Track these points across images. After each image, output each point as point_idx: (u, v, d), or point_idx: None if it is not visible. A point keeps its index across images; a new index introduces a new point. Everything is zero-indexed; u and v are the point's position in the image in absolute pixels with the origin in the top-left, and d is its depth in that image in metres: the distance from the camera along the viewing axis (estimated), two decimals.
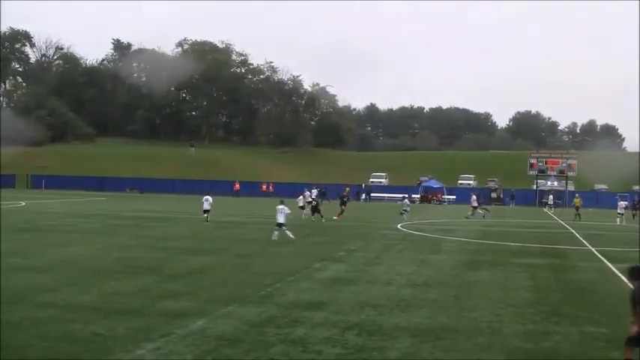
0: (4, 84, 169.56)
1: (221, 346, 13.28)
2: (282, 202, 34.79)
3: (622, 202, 58.25)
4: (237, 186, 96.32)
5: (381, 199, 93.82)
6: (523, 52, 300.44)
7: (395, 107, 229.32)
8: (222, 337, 13.86)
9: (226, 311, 16.30)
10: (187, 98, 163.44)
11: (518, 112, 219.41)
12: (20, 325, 14.58)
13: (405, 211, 52.72)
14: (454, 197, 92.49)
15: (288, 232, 34.03)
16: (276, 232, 34.11)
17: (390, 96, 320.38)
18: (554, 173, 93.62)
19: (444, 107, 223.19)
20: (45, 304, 16.81)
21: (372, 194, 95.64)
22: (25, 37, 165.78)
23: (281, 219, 34.37)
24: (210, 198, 46.19)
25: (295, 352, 13.05)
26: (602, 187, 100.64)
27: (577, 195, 68.66)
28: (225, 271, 23.16)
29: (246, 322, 15.17)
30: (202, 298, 17.96)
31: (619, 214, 54.07)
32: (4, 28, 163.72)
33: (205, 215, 45.09)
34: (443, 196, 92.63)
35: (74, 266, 23.52)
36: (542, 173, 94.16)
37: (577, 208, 59.33)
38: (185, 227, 41.51)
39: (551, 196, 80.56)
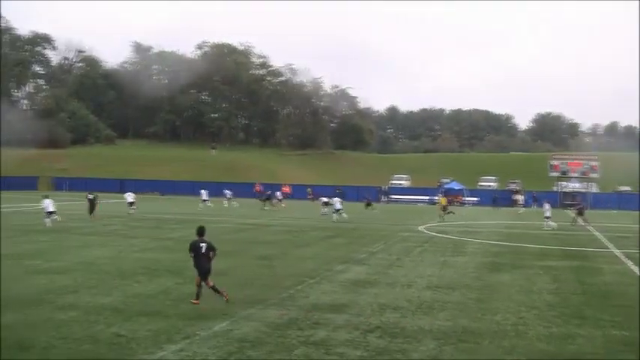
0: (26, 87, 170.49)
1: (243, 348, 13.29)
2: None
3: None
4: (258, 187, 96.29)
5: (402, 200, 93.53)
6: (545, 53, 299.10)
7: (415, 109, 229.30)
8: (245, 339, 13.86)
9: (248, 313, 16.31)
10: (207, 100, 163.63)
11: (539, 114, 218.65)
12: (43, 327, 14.66)
13: (337, 210, 52.61)
14: (475, 199, 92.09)
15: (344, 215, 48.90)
16: (335, 215, 49.38)
17: (410, 98, 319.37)
18: (576, 175, 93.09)
19: (465, 109, 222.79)
20: (67, 305, 16.88)
21: (393, 196, 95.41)
22: (45, 40, 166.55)
23: (338, 205, 50.32)
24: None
25: (317, 354, 13.03)
26: (626, 188, 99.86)
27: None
28: (247, 273, 23.16)
29: (268, 324, 15.17)
30: (224, 300, 17.94)
31: None
32: (26, 32, 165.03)
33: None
34: (464, 198, 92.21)
35: (95, 268, 23.61)
36: (564, 175, 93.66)
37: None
38: (207, 229, 41.47)
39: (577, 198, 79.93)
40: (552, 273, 24.47)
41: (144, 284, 20.11)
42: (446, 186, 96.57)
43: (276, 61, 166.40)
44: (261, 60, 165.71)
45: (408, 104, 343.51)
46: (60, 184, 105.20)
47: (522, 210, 73.61)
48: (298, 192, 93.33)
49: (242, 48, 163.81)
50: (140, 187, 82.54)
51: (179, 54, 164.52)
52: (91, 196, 48.70)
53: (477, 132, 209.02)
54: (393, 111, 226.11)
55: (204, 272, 17.68)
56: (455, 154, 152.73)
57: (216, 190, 78.51)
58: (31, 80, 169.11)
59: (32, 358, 12.50)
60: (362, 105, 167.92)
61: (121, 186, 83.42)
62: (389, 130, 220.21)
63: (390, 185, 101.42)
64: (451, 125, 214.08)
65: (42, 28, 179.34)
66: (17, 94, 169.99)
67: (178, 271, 22.92)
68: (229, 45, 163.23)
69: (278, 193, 72.91)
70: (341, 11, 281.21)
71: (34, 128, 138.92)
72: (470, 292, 20.13)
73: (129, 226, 41.95)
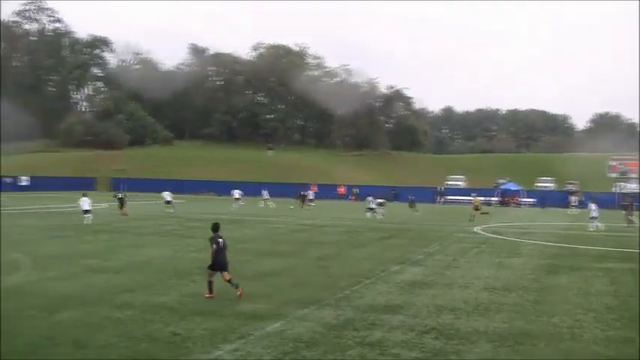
0: (85, 89, 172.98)
1: (298, 348, 13.30)
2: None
3: None
4: (315, 188, 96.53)
5: (458, 201, 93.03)
6: (603, 52, 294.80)
7: (471, 109, 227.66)
8: (299, 340, 13.88)
9: (303, 313, 16.33)
10: (263, 101, 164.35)
11: (597, 114, 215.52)
12: (100, 326, 14.83)
13: (371, 209, 53.37)
14: (532, 200, 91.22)
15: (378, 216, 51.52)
16: (369, 214, 52.87)
17: (466, 98, 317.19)
18: (635, 175, 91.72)
19: (522, 109, 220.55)
20: (124, 304, 17.07)
21: (448, 197, 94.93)
22: (104, 43, 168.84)
23: (372, 205, 53.85)
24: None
25: (372, 354, 13.01)
26: None
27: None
28: (302, 273, 23.23)
29: (323, 325, 15.18)
30: (279, 300, 18.03)
31: None
32: (85, 35, 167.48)
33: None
34: (521, 199, 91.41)
35: (152, 267, 23.88)
36: (623, 176, 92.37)
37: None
38: (261, 230, 41.74)
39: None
40: (611, 275, 24.12)
41: (200, 284, 20.23)
42: (502, 187, 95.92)
43: (332, 62, 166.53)
44: (316, 61, 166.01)
45: (464, 104, 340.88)
46: (117, 185, 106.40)
47: (574, 211, 72.58)
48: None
49: (297, 49, 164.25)
50: (196, 187, 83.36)
51: (235, 55, 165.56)
52: (120, 195, 52.47)
53: (533, 132, 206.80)
54: (448, 111, 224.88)
55: (222, 266, 18.64)
56: (511, 154, 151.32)
57: (271, 190, 78.66)
58: (90, 82, 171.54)
59: (90, 356, 12.67)
60: (417, 105, 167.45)
61: (177, 187, 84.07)
62: (444, 131, 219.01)
63: (445, 186, 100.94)
64: (507, 125, 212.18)
65: (100, 31, 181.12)
66: (76, 96, 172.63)
67: (233, 272, 22.98)
68: (285, 46, 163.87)
69: (310, 193, 72.57)
70: (397, 13, 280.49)
71: (93, 130, 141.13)
72: (526, 294, 19.95)
73: (185, 227, 42.33)
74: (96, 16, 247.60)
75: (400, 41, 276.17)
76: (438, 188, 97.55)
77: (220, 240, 18.97)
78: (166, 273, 22.48)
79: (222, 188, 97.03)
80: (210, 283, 18.52)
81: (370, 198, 54.52)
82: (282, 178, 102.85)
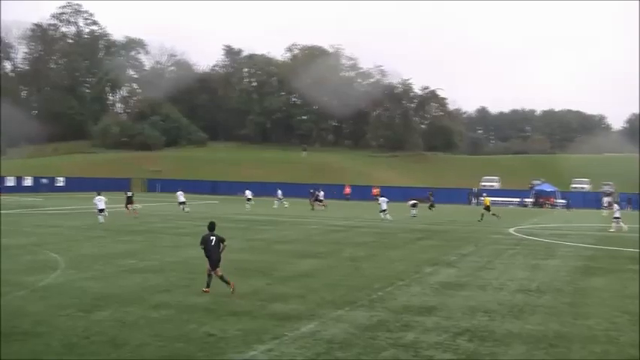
0: (121, 91, 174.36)
1: (332, 349, 13.34)
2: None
3: None
4: (348, 189, 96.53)
5: (492, 203, 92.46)
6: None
7: (506, 110, 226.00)
8: (333, 341, 13.92)
9: (337, 314, 16.37)
10: (298, 103, 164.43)
11: (634, 114, 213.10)
12: (136, 325, 14.98)
13: (384, 210, 52.66)
14: (567, 201, 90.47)
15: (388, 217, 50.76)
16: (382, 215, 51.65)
17: (501, 98, 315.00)
18: None
19: (557, 109, 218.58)
20: (160, 304, 17.22)
21: (483, 198, 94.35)
22: (139, 44, 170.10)
23: (384, 206, 52.16)
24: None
25: (406, 356, 13.04)
26: None
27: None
28: (336, 274, 23.26)
29: (356, 326, 15.21)
30: (313, 301, 18.09)
31: None
32: (120, 37, 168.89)
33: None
34: (556, 200, 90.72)
35: (187, 268, 24.04)
36: None
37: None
38: (295, 230, 41.81)
39: None
40: None
41: (235, 285, 20.36)
42: (537, 188, 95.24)
43: (366, 63, 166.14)
44: (351, 62, 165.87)
45: (499, 105, 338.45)
46: (153, 186, 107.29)
47: (605, 212, 71.97)
48: (388, 194, 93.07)
49: (332, 50, 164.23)
50: (231, 188, 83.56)
51: (269, 57, 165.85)
52: (129, 194, 54.35)
53: (568, 133, 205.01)
54: (482, 112, 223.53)
55: (214, 262, 19.55)
56: (546, 155, 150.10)
57: (305, 191, 78.63)
58: (126, 84, 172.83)
59: (125, 355, 12.79)
60: (451, 106, 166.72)
61: (212, 188, 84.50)
62: (479, 132, 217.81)
63: (480, 187, 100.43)
64: (542, 126, 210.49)
65: (136, 34, 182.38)
66: (112, 98, 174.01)
67: (268, 272, 23.16)
68: (319, 47, 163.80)
69: (322, 194, 72.32)
70: (431, 12, 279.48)
71: (129, 131, 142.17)
72: (561, 296, 19.84)
73: (220, 227, 42.34)
74: (131, 19, 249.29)
75: (435, 41, 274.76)
76: (473, 189, 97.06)
77: (212, 238, 20.13)
78: (201, 273, 22.49)
79: (257, 189, 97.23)
80: (208, 280, 19.52)
81: (383, 199, 54.22)
82: (316, 179, 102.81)
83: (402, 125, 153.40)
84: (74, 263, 24.28)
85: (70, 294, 18.50)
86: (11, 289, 18.92)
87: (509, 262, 27.95)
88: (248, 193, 69.43)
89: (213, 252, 19.76)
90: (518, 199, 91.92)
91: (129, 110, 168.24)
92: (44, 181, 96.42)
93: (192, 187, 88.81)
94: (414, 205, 56.75)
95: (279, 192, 73.76)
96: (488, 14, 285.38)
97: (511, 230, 45.01)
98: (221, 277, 19.29)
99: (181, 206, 57.93)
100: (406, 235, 39.68)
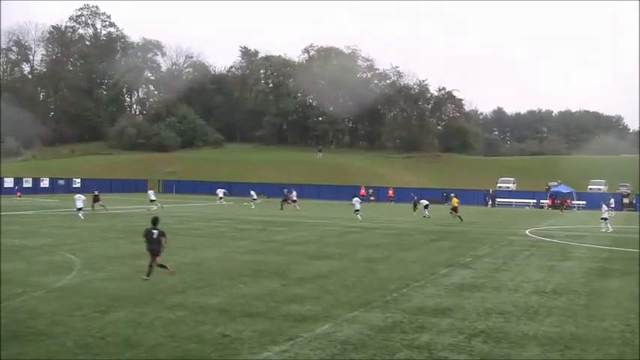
0: (137, 92, 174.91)
1: (346, 350, 13.36)
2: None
3: None
4: (363, 191, 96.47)
5: (508, 204, 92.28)
6: None
7: (522, 111, 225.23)
8: (348, 342, 13.94)
9: (352, 316, 16.38)
10: (314, 104, 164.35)
11: None
12: (151, 326, 15.04)
13: (357, 210, 52.86)
14: (584, 203, 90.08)
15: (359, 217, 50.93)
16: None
17: (517, 99, 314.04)
18: None
19: (573, 110, 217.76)
20: (175, 305, 17.28)
21: (498, 199, 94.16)
22: (156, 46, 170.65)
23: (357, 206, 52.62)
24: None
25: (420, 357, 13.04)
26: None
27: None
28: (350, 275, 23.26)
29: (371, 327, 15.22)
30: (328, 302, 18.11)
31: None
32: (138, 39, 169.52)
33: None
34: (572, 202, 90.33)
35: (202, 269, 24.10)
36: None
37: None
38: (310, 232, 41.82)
39: None
40: None
41: (249, 285, 20.41)
42: (553, 189, 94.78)
43: (382, 64, 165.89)
44: (367, 63, 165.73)
45: (515, 106, 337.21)
46: (169, 187, 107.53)
47: (613, 213, 71.84)
48: (403, 195, 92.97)
49: (348, 51, 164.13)
50: (247, 189, 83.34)
51: (285, 58, 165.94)
52: (96, 192, 56.76)
53: (585, 134, 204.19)
54: (499, 113, 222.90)
55: (155, 253, 21.54)
56: (562, 156, 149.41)
57: (321, 193, 78.65)
58: (142, 86, 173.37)
59: (140, 356, 12.84)
60: (467, 107, 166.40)
61: (227, 189, 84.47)
62: (495, 133, 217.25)
63: (496, 188, 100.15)
64: (559, 127, 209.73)
65: (152, 35, 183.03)
66: (129, 99, 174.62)
67: (283, 273, 23.19)
68: (336, 48, 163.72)
69: (294, 194, 72.70)
70: (445, 12, 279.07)
71: (145, 132, 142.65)
72: (577, 298, 19.79)
73: (236, 229, 42.61)
74: (148, 20, 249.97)
75: (451, 42, 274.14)
76: (489, 191, 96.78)
77: (154, 232, 21.91)
78: (217, 274, 22.66)
79: (273, 191, 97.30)
80: (149, 268, 21.36)
81: (356, 199, 54.40)
82: (332, 181, 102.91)
83: (417, 126, 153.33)
84: (90, 264, 24.41)
85: (86, 294, 18.60)
86: (27, 290, 19.05)
87: (524, 263, 27.89)
88: (220, 192, 73.57)
89: (154, 244, 21.72)
90: (534, 201, 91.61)
91: (145, 112, 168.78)
92: (61, 182, 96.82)
93: (208, 188, 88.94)
94: (426, 207, 56.76)
95: (253, 192, 74.80)
96: (504, 14, 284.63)
97: (527, 232, 44.90)
98: (160, 265, 21.53)
99: (152, 204, 60.85)
100: (421, 237, 39.66)
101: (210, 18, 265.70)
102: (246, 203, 70.57)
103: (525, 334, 15.02)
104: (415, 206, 63.57)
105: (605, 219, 47.08)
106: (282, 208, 65.89)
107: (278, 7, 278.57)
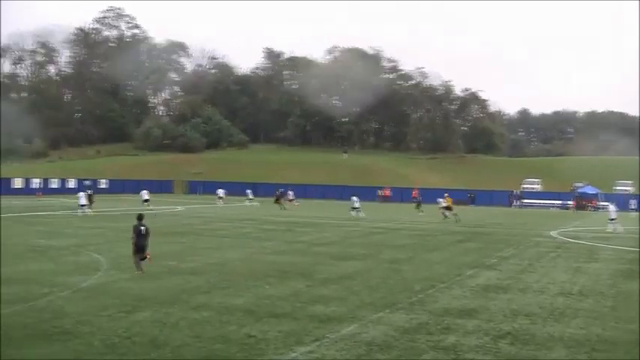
0: (162, 93, 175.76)
1: (372, 351, 13.33)
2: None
3: None
4: (387, 192, 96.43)
5: (534, 205, 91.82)
6: None
7: (548, 112, 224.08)
8: (373, 343, 13.90)
9: (377, 317, 16.34)
10: (338, 105, 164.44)
11: None
12: (177, 326, 15.07)
13: (355, 208, 55.58)
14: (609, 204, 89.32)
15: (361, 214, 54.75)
16: (353, 213, 55.40)
17: (542, 100, 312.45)
18: None
19: (599, 111, 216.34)
20: (200, 305, 17.30)
21: (524, 200, 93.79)
22: (181, 47, 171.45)
23: (356, 204, 56.18)
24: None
25: (446, 359, 13.00)
26: None
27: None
28: (376, 276, 23.21)
29: (396, 328, 15.17)
30: (353, 303, 18.07)
31: None
32: (162, 40, 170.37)
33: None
34: (598, 203, 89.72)
35: (227, 269, 24.11)
36: None
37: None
38: (335, 232, 41.79)
39: None
40: None
41: (275, 286, 20.41)
42: (579, 190, 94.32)
43: (407, 65, 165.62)
44: (391, 64, 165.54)
45: (540, 107, 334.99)
46: (194, 188, 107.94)
47: (635, 214, 71.23)
48: (427, 196, 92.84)
49: (372, 52, 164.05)
50: (271, 190, 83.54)
51: (310, 59, 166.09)
52: (90, 192, 59.91)
53: (611, 135, 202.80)
54: (524, 114, 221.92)
55: (142, 248, 22.69)
56: (588, 157, 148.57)
57: (345, 193, 78.60)
58: (167, 87, 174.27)
59: (166, 356, 12.88)
60: (492, 108, 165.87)
61: (252, 190, 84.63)
62: (520, 134, 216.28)
63: (521, 189, 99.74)
64: (584, 128, 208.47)
65: (177, 37, 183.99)
66: (154, 100, 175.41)
67: (309, 274, 23.18)
68: (359, 49, 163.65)
69: (290, 193, 74.46)
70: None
71: (171, 133, 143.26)
72: (604, 300, 19.64)
73: (261, 229, 42.66)
74: (173, 22, 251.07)
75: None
76: (514, 192, 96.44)
77: (142, 228, 23.07)
78: (242, 275, 22.68)
79: (297, 191, 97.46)
80: (136, 264, 22.58)
81: (355, 198, 56.46)
82: (356, 181, 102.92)
83: (442, 127, 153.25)
84: (116, 264, 24.52)
85: (112, 294, 18.67)
86: (54, 290, 19.14)
87: (550, 265, 27.73)
88: (220, 192, 76.89)
89: (141, 239, 22.80)
90: (560, 202, 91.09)
91: (170, 113, 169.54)
92: (87, 182, 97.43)
93: (233, 189, 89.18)
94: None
95: (249, 192, 78.06)
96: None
97: (553, 233, 44.66)
98: (143, 258, 22.77)
99: (145, 203, 62.38)
100: (446, 237, 39.53)
101: (234, 19, 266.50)
102: (247, 202, 73.83)
103: (551, 335, 14.92)
104: (418, 206, 63.86)
105: (613, 219, 46.89)
106: (284, 208, 67.10)
107: (303, 6, 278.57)
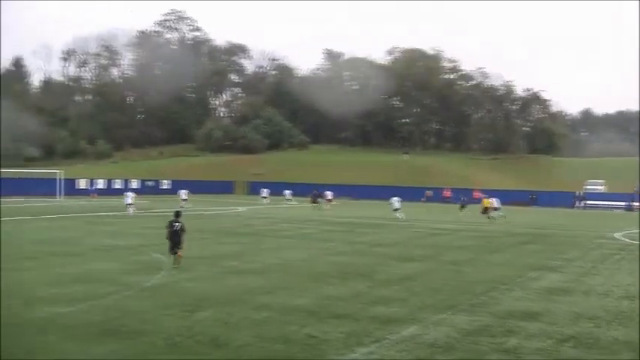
0: (223, 95, 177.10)
1: (434, 353, 13.29)
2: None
3: None
4: (448, 192, 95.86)
5: (597, 206, 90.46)
6: None
7: (611, 111, 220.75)
8: (435, 345, 13.86)
9: (438, 318, 16.28)
10: (399, 106, 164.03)
11: None
12: (238, 326, 15.18)
13: (396, 209, 55.13)
14: None
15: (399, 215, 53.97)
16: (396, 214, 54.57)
17: (606, 100, 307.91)
18: None
19: None
20: (262, 305, 17.40)
21: (588, 202, 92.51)
22: (241, 49, 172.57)
23: (397, 205, 55.62)
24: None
25: None
26: None
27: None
28: (437, 278, 23.13)
29: (458, 330, 15.10)
30: (414, 304, 18.04)
31: None
32: (223, 43, 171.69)
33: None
34: None
35: (289, 270, 24.22)
36: None
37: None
38: (396, 233, 41.69)
39: None
40: None
41: (336, 287, 20.45)
42: None
43: (467, 65, 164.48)
44: (451, 64, 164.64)
45: (604, 106, 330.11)
46: (255, 189, 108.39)
47: None
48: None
49: (432, 53, 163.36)
50: (333, 191, 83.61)
51: (370, 60, 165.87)
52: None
53: None
54: (586, 114, 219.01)
55: (175, 244, 23.71)
56: None
57: (406, 194, 78.35)
58: (228, 89, 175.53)
59: (227, 355, 12.98)
60: (554, 108, 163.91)
61: (310, 190, 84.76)
62: (584, 134, 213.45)
63: (584, 190, 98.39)
64: None
65: (238, 39, 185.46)
66: (215, 102, 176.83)
67: (370, 275, 23.18)
68: (420, 50, 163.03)
69: (328, 193, 73.74)
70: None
71: (232, 135, 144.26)
72: None
73: (322, 230, 42.76)
74: (234, 24, 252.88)
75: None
76: (577, 193, 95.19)
77: (176, 224, 23.96)
78: (304, 275, 22.77)
79: (359, 192, 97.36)
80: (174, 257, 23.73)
81: (395, 198, 56.30)
82: (417, 182, 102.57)
83: (503, 127, 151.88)
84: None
85: (174, 294, 18.87)
86: (119, 289, 19.42)
87: (614, 267, 27.35)
88: (264, 192, 79.00)
89: (174, 235, 23.77)
90: (624, 203, 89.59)
91: (232, 114, 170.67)
92: (150, 183, 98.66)
93: (294, 189, 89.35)
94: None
95: (287, 192, 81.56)
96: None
97: (617, 235, 44.02)
98: (175, 253, 23.70)
99: (183, 202, 63.86)
100: (509, 239, 39.21)
101: (295, 21, 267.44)
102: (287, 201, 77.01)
103: (616, 339, 14.72)
104: (462, 207, 63.16)
105: None
106: (321, 209, 67.93)
107: (362, 6, 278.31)
